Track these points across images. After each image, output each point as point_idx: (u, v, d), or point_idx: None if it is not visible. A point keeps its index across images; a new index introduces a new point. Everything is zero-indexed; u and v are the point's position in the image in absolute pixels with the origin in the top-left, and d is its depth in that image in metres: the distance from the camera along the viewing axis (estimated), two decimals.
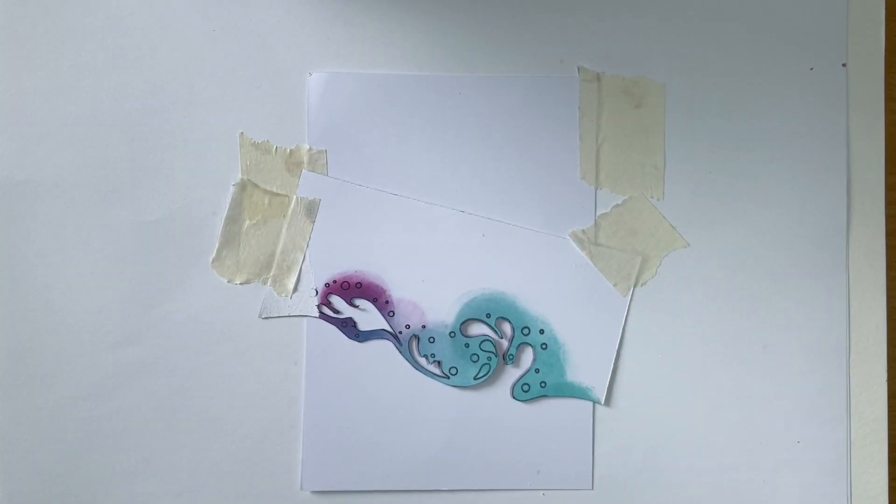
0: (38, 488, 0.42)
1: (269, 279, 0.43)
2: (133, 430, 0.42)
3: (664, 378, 0.43)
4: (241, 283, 0.43)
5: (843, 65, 0.44)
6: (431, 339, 0.43)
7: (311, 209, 0.43)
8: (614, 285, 0.43)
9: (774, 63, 0.44)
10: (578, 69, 0.44)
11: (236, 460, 0.43)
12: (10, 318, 0.42)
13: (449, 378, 0.43)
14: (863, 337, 0.44)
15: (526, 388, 0.43)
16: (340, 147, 0.43)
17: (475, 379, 0.43)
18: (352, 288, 0.43)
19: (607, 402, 0.43)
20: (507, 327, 0.43)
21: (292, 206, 0.43)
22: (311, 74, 0.43)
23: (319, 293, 0.43)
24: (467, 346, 0.43)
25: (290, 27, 0.43)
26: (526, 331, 0.43)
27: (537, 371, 0.43)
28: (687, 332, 0.43)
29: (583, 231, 0.43)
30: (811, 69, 0.44)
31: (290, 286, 0.43)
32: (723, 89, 0.44)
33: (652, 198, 0.44)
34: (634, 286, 0.43)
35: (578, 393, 0.43)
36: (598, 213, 0.43)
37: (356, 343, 0.43)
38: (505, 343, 0.43)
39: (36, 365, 0.42)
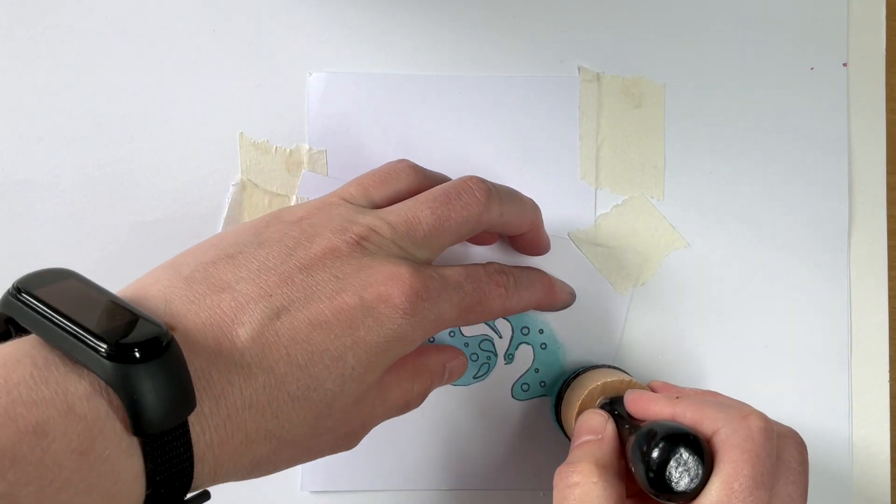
0: None
1: None
2: None
3: (664, 378, 0.43)
4: None
5: (844, 64, 0.44)
6: (430, 339, 0.43)
7: None
8: (614, 285, 0.43)
9: (774, 63, 0.44)
10: (578, 69, 0.43)
11: None
12: None
13: None
14: (864, 337, 0.44)
15: (526, 387, 0.43)
16: (340, 147, 0.43)
17: (475, 378, 0.43)
18: None
19: None
20: (506, 327, 0.43)
21: None
22: (311, 74, 0.43)
23: None
24: (467, 345, 0.43)
25: (290, 27, 0.43)
26: (525, 330, 0.43)
27: (537, 371, 0.43)
28: (687, 332, 0.43)
29: (583, 231, 0.43)
30: (811, 69, 0.44)
31: None
32: (723, 89, 0.44)
33: (652, 198, 0.43)
34: (634, 286, 0.43)
35: None
36: (598, 213, 0.43)
37: None
38: (504, 343, 0.43)
39: None
